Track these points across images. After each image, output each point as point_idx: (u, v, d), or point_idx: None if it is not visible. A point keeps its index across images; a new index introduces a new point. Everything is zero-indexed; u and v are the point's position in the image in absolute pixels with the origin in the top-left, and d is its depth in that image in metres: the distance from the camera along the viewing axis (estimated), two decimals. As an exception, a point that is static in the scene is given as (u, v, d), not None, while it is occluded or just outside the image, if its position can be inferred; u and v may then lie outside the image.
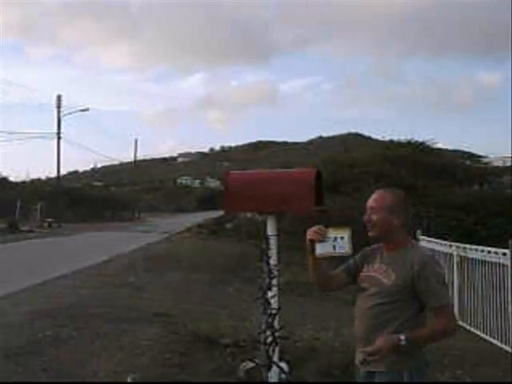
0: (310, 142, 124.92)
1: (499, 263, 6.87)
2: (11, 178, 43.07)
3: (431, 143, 23.54)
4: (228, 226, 24.98)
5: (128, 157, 70.71)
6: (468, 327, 7.80)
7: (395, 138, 25.04)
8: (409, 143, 23.24)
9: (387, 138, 26.63)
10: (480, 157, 36.58)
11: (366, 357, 2.50)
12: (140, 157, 64.88)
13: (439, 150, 25.93)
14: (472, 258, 7.77)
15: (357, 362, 2.65)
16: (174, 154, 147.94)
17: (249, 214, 18.86)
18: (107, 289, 10.04)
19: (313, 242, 2.68)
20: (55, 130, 39.13)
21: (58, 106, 39.51)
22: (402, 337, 2.42)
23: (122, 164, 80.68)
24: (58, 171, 40.03)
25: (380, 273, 2.59)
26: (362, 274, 2.69)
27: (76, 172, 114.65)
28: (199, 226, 29.92)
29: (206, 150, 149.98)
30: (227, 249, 17.19)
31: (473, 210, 16.69)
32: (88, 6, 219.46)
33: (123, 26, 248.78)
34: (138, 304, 8.52)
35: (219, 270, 12.66)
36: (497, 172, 26.73)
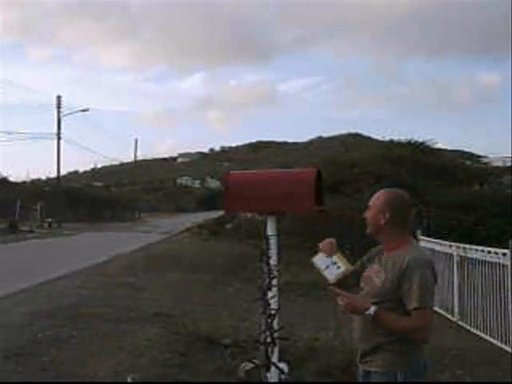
0: (310, 143, 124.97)
1: (499, 263, 6.87)
2: (11, 178, 43.13)
3: (431, 143, 23.56)
4: (228, 226, 24.98)
5: (128, 157, 70.87)
6: (468, 327, 7.80)
7: (395, 138, 25.05)
8: (409, 143, 23.24)
9: (387, 138, 26.61)
10: (480, 157, 36.60)
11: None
12: (140, 157, 65.06)
13: (439, 150, 25.93)
14: (472, 258, 7.77)
15: (357, 360, 2.68)
16: (174, 154, 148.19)
17: (249, 214, 18.88)
18: (107, 289, 10.04)
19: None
20: (55, 130, 39.22)
21: (58, 107, 39.56)
22: (372, 308, 2.46)
23: (122, 164, 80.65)
24: (58, 171, 40.07)
25: (375, 273, 2.62)
26: (364, 273, 2.72)
27: (76, 172, 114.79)
28: (199, 226, 29.93)
29: (205, 150, 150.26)
30: (227, 249, 17.19)
31: (473, 210, 16.68)
32: (88, 6, 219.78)
33: (123, 26, 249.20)
34: (137, 304, 8.53)
35: (219, 271, 12.66)
36: (497, 172, 26.72)
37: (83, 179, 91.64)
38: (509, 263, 6.56)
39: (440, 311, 8.71)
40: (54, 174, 43.45)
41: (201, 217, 40.29)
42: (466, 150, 60.46)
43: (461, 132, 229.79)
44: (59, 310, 7.74)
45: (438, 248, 9.03)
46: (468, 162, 27.37)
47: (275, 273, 4.14)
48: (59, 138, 38.96)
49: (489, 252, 7.25)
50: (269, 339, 3.98)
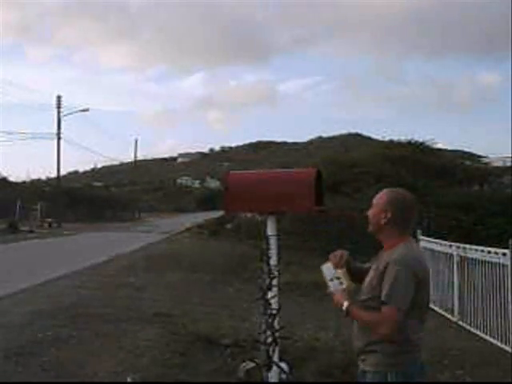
0: (310, 143, 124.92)
1: (499, 263, 6.86)
2: (11, 178, 43.21)
3: (431, 143, 23.55)
4: (228, 226, 24.98)
5: (128, 157, 70.92)
6: (468, 327, 7.80)
7: (395, 138, 25.05)
8: (409, 143, 23.24)
9: (387, 138, 26.60)
10: (480, 157, 36.66)
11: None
12: (140, 157, 65.06)
13: (439, 150, 25.93)
14: (472, 258, 7.77)
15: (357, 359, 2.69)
16: (174, 154, 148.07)
17: (249, 215, 18.88)
18: (107, 289, 10.05)
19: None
20: (55, 130, 39.23)
21: (58, 107, 39.59)
22: (345, 303, 2.55)
23: (122, 164, 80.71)
24: (58, 171, 40.06)
25: (370, 271, 2.63)
26: None
27: (76, 172, 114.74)
28: (199, 226, 29.93)
29: (205, 150, 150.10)
30: (227, 249, 17.19)
31: (472, 210, 16.69)
32: (87, 6, 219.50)
33: (123, 26, 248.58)
34: (138, 304, 8.53)
35: (219, 271, 12.66)
36: (497, 172, 26.72)
37: (83, 179, 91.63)
38: (509, 263, 6.56)
39: (440, 311, 8.71)
40: (54, 174, 43.52)
41: (201, 217, 40.28)
42: (466, 149, 60.56)
43: (461, 132, 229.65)
44: (59, 310, 7.74)
45: (437, 248, 9.03)
46: (468, 162, 27.39)
47: (275, 273, 4.15)
48: (59, 138, 39.01)
49: (489, 252, 7.25)
50: (270, 339, 3.98)
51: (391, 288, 2.43)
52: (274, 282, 4.14)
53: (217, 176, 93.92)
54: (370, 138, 78.15)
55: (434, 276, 8.37)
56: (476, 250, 7.69)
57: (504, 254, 6.72)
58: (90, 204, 43.85)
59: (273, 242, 4.25)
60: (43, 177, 59.80)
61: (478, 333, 7.41)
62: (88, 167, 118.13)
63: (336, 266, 2.72)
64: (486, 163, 28.89)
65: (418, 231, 9.66)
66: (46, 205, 35.13)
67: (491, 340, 7.00)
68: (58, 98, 39.90)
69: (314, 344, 5.89)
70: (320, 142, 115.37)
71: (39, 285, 10.34)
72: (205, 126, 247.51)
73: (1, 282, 10.30)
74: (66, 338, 6.25)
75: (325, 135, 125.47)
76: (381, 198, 2.65)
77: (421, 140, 23.24)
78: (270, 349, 4.02)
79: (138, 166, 63.30)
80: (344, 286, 2.69)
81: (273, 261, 4.16)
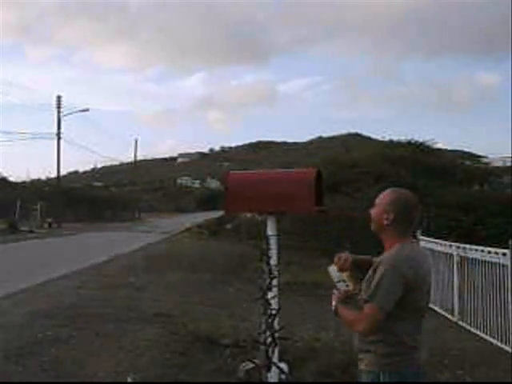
0: (310, 143, 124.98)
1: (499, 263, 6.87)
2: (11, 178, 43.19)
3: (431, 143, 23.57)
4: (228, 226, 24.99)
5: (128, 157, 70.84)
6: (468, 327, 7.80)
7: (395, 138, 25.08)
8: (409, 143, 23.25)
9: (387, 138, 26.66)
10: (480, 157, 36.67)
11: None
12: (140, 157, 65.01)
13: (439, 150, 25.93)
14: (472, 258, 7.77)
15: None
16: (174, 154, 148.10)
17: (249, 215, 18.88)
18: (107, 289, 10.04)
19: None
20: (55, 130, 39.21)
21: (58, 107, 39.58)
22: (333, 303, 2.61)
23: (122, 164, 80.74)
24: (58, 171, 40.04)
25: (368, 272, 2.63)
26: None
27: (76, 172, 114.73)
28: (199, 226, 29.95)
29: (205, 150, 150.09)
30: (227, 249, 17.19)
31: (472, 210, 16.69)
32: (87, 7, 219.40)
33: (122, 26, 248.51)
34: (137, 304, 8.53)
35: (219, 271, 12.66)
36: (497, 172, 26.73)
37: (83, 179, 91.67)
38: (509, 263, 6.56)
39: (440, 311, 8.71)
40: (54, 174, 43.50)
41: (201, 217, 40.30)
42: (466, 150, 60.55)
43: (461, 132, 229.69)
44: (59, 310, 7.74)
45: (438, 248, 9.03)
46: (468, 162, 27.40)
47: (275, 273, 4.15)
48: (59, 138, 38.99)
49: (489, 252, 7.25)
50: (269, 339, 3.98)
51: (376, 287, 2.43)
52: (274, 282, 4.14)
53: (217, 176, 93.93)
54: (369, 138, 78.09)
55: (434, 276, 8.37)
56: (476, 250, 7.69)
57: (504, 254, 6.72)
58: (89, 204, 43.84)
59: (273, 242, 4.25)
60: (43, 177, 59.74)
61: (478, 333, 7.42)
62: (88, 167, 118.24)
63: (341, 270, 2.71)
64: (486, 163, 28.91)
65: (418, 231, 9.65)
66: (45, 205, 35.11)
67: (491, 340, 7.00)
68: (58, 98, 39.93)
69: (313, 344, 5.89)
70: (320, 142, 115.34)
71: (39, 285, 10.34)
72: (205, 126, 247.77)
73: (1, 281, 10.30)
74: (65, 338, 6.25)
75: (325, 135, 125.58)
76: (384, 197, 2.63)
77: (421, 140, 23.28)
78: (270, 349, 4.02)
79: (137, 166, 63.28)
80: (348, 289, 2.69)
81: (273, 261, 4.16)
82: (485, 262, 7.31)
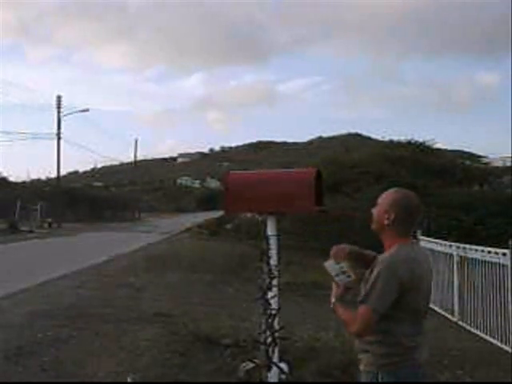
0: (310, 143, 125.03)
1: (499, 263, 6.87)
2: (11, 178, 43.15)
3: (431, 143, 23.60)
4: (228, 226, 25.00)
5: (128, 157, 70.83)
6: (468, 327, 7.80)
7: (395, 138, 25.13)
8: (409, 143, 23.28)
9: (387, 138, 26.74)
10: (480, 157, 36.68)
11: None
12: (140, 157, 64.98)
13: (439, 150, 25.95)
14: (472, 258, 7.77)
15: None
16: (174, 154, 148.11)
17: (249, 215, 18.88)
18: (107, 289, 10.04)
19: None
20: (55, 130, 39.18)
21: (58, 107, 39.54)
22: (332, 300, 2.60)
23: (122, 164, 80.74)
24: (58, 171, 40.03)
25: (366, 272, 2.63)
26: None
27: (76, 172, 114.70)
28: (199, 226, 29.95)
29: (205, 150, 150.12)
30: (227, 249, 17.19)
31: (473, 210, 16.69)
32: (86, 7, 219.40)
33: (122, 26, 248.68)
34: (137, 304, 8.53)
35: (219, 271, 12.66)
36: (497, 172, 26.75)
37: (83, 179, 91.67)
38: (509, 263, 6.56)
39: (440, 311, 8.71)
40: (54, 174, 43.49)
41: (201, 217, 40.29)
42: (466, 150, 60.62)
43: (461, 132, 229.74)
44: (59, 310, 7.74)
45: (438, 248, 9.03)
46: (468, 162, 27.39)
47: (275, 273, 4.15)
48: (59, 138, 38.96)
49: (489, 252, 7.26)
50: (269, 339, 3.99)
51: (370, 288, 2.43)
52: (274, 282, 4.15)
53: (217, 176, 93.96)
54: (369, 138, 78.18)
55: (434, 276, 8.37)
56: (476, 250, 7.69)
57: (504, 254, 6.72)
58: (89, 204, 43.81)
59: (273, 242, 4.25)
60: (43, 177, 59.78)
61: (478, 333, 7.42)
62: (88, 167, 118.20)
63: (336, 258, 2.67)
64: (485, 163, 28.95)
65: (418, 231, 9.66)
66: (45, 205, 35.08)
67: (491, 340, 7.00)
68: (58, 98, 39.90)
69: (314, 344, 5.88)
70: (320, 142, 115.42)
71: (39, 285, 10.34)
72: (204, 126, 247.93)
73: (1, 281, 10.30)
74: (65, 338, 6.25)
75: (325, 135, 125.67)
76: (386, 197, 2.62)
77: (421, 140, 23.31)
78: (270, 349, 4.02)
79: (137, 165, 63.26)
80: (351, 279, 2.67)
81: (273, 261, 4.16)
82: (485, 262, 7.31)
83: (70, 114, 40.21)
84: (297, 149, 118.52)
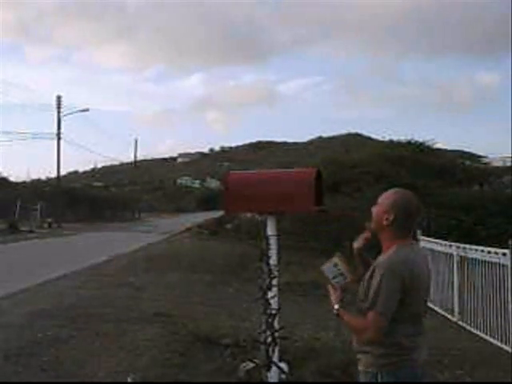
0: (310, 143, 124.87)
1: (499, 263, 6.87)
2: (11, 178, 43.08)
3: (431, 143, 23.54)
4: (228, 226, 24.97)
5: (128, 157, 70.92)
6: (468, 327, 7.80)
7: (395, 138, 25.06)
8: (409, 143, 23.25)
9: (387, 138, 26.61)
10: (480, 157, 36.67)
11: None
12: (140, 157, 65.07)
13: (439, 150, 25.92)
14: (472, 258, 7.77)
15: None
16: (174, 155, 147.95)
17: (249, 215, 18.87)
18: (107, 289, 10.05)
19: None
20: (55, 130, 39.19)
21: (58, 107, 39.53)
22: (336, 307, 2.61)
23: (122, 164, 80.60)
24: (58, 171, 40.03)
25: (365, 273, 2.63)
26: None
27: (76, 172, 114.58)
28: (199, 226, 29.89)
29: (205, 150, 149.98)
30: (227, 249, 17.19)
31: (472, 210, 16.68)
32: (86, 7, 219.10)
33: (121, 26, 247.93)
34: (137, 304, 8.53)
35: (219, 271, 12.66)
36: (497, 172, 26.74)
37: (83, 179, 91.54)
38: (509, 263, 6.57)
39: (440, 311, 8.71)
40: (54, 174, 43.43)
41: (201, 217, 40.26)
42: (466, 150, 60.42)
43: (461, 132, 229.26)
44: (59, 310, 7.74)
45: (438, 248, 9.03)
46: (468, 162, 27.36)
47: (275, 273, 4.15)
48: (59, 138, 38.97)
49: (489, 252, 7.26)
50: (269, 339, 3.99)
51: (375, 293, 2.43)
52: (274, 282, 4.15)
53: (217, 176, 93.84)
54: (370, 138, 78.02)
55: (434, 276, 8.37)
56: (476, 250, 7.69)
57: (504, 254, 6.72)
58: (89, 204, 43.79)
59: (273, 242, 4.25)
60: (43, 177, 59.64)
61: (478, 333, 7.42)
62: (88, 167, 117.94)
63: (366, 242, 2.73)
64: (485, 163, 28.93)
65: (418, 231, 9.66)
66: (45, 205, 35.08)
67: (491, 340, 7.00)
68: (58, 98, 39.88)
69: (313, 344, 5.89)
70: (320, 142, 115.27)
71: (39, 285, 10.34)
72: (204, 126, 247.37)
73: (1, 281, 10.30)
74: (65, 338, 6.25)
75: (325, 135, 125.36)
76: (387, 198, 2.62)
77: (421, 140, 23.26)
78: (270, 349, 4.02)
79: (137, 166, 63.36)
80: (348, 280, 2.69)
81: (273, 261, 4.16)
82: (485, 261, 7.31)
83: (69, 113, 40.24)
84: (297, 149, 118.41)
